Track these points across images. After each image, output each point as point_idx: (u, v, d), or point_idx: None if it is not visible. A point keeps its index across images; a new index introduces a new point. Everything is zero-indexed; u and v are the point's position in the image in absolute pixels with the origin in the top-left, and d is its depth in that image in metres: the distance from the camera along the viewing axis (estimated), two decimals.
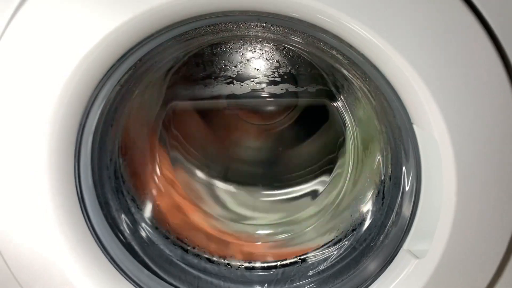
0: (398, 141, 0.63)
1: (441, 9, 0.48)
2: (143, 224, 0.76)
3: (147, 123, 0.86)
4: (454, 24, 0.48)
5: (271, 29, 0.68)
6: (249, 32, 0.71)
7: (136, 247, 0.70)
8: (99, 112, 0.61)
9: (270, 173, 1.01)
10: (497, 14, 0.49)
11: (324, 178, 0.98)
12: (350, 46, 0.52)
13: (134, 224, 0.74)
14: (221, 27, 0.65)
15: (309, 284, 0.72)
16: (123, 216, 0.72)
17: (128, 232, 0.71)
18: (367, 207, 0.78)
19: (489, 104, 0.50)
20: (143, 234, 0.75)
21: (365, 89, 0.70)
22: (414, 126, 0.54)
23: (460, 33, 0.48)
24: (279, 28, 0.65)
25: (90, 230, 0.62)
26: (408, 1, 0.48)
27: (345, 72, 0.74)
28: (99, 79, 0.55)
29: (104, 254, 0.63)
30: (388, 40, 0.48)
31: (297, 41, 0.72)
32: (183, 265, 0.75)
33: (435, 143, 0.51)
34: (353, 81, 0.75)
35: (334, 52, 0.64)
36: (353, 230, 0.77)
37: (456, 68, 0.49)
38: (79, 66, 0.52)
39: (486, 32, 0.48)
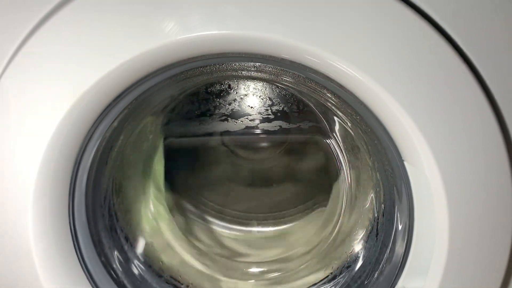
0: (390, 178, 0.63)
1: (430, 50, 0.49)
2: (136, 262, 0.75)
3: (142, 160, 0.87)
4: (443, 64, 0.49)
5: (264, 69, 0.69)
6: (243, 72, 0.73)
7: (129, 285, 0.69)
8: (94, 150, 0.61)
9: (264, 210, 1.01)
10: (483, 57, 0.50)
11: (317, 215, 0.97)
12: (340, 86, 0.53)
13: (127, 262, 0.73)
14: (216, 68, 0.66)
15: None
16: (116, 253, 0.71)
17: (121, 270, 0.70)
18: (361, 243, 0.77)
19: (479, 141, 0.50)
20: (136, 272, 0.74)
21: (357, 127, 0.71)
22: (405, 163, 0.55)
23: (448, 73, 0.49)
24: (271, 68, 0.67)
25: (83, 268, 0.61)
26: (396, 41, 0.49)
27: (336, 110, 0.75)
28: (95, 118, 0.56)
29: None
30: (377, 79, 0.49)
31: (289, 80, 0.74)
32: None
33: (426, 180, 0.51)
34: (345, 119, 0.76)
35: (324, 91, 0.65)
36: (347, 267, 0.76)
37: (445, 106, 0.49)
38: (76, 105, 0.52)
39: (473, 73, 0.50)
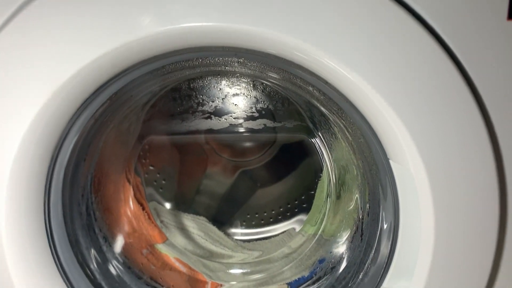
0: (376, 176, 0.63)
1: (417, 48, 0.49)
2: (115, 263, 0.74)
3: (122, 157, 0.85)
4: (430, 62, 0.49)
5: (248, 64, 0.68)
6: (226, 67, 0.72)
7: (106, 287, 0.67)
8: (71, 146, 0.60)
9: (247, 211, 1.00)
10: (471, 55, 0.50)
11: (302, 216, 0.97)
12: (326, 83, 0.52)
13: (105, 263, 0.71)
14: (198, 62, 0.65)
15: None
16: (93, 254, 0.69)
17: (98, 270, 0.68)
18: (345, 244, 0.76)
19: (465, 139, 0.50)
20: (114, 273, 0.72)
21: (342, 125, 0.71)
22: (391, 162, 0.54)
23: (435, 71, 0.49)
24: (256, 63, 0.66)
25: (58, 268, 0.60)
26: (382, 38, 0.49)
27: (321, 108, 0.74)
28: (72, 113, 0.55)
29: None
30: (363, 76, 0.49)
31: (274, 76, 0.73)
32: None
33: (412, 178, 0.51)
34: (330, 117, 0.76)
35: (310, 88, 0.65)
36: (332, 268, 0.75)
37: (431, 103, 0.49)
38: (52, 99, 0.51)
39: (460, 71, 0.49)
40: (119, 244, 0.78)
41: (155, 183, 0.95)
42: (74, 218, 0.65)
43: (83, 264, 0.65)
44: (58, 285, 0.59)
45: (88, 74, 0.51)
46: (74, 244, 0.64)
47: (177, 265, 0.85)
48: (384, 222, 0.62)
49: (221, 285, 0.85)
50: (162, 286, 0.77)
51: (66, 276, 0.60)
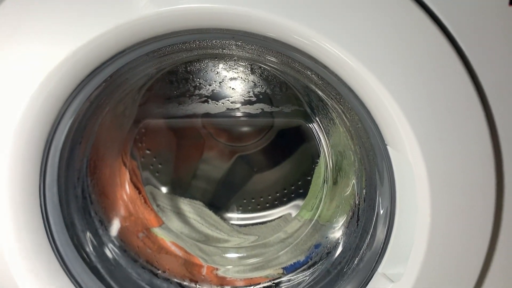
0: (373, 163, 0.63)
1: (420, 35, 0.48)
2: (111, 246, 0.74)
3: (118, 141, 0.84)
4: (428, 46, 0.48)
5: (246, 48, 0.67)
6: (224, 50, 0.71)
7: (102, 270, 0.67)
8: (67, 128, 0.59)
9: (243, 196, 1.00)
10: (468, 38, 0.50)
11: (298, 201, 0.97)
12: (325, 67, 0.52)
13: (101, 246, 0.71)
14: (195, 45, 0.64)
15: None
16: (89, 237, 0.69)
17: (94, 254, 0.68)
18: (341, 229, 0.77)
19: (464, 127, 0.50)
20: (110, 256, 0.72)
21: (340, 110, 0.70)
22: (389, 148, 0.54)
23: (434, 56, 0.48)
24: (254, 47, 0.65)
25: (54, 251, 0.60)
26: (383, 23, 0.48)
27: (319, 92, 0.73)
28: (68, 95, 0.54)
29: (69, 277, 0.61)
30: (363, 61, 0.48)
31: (272, 60, 0.72)
32: None
33: (409, 166, 0.51)
34: (328, 102, 0.75)
35: (308, 73, 0.64)
36: (327, 254, 0.75)
37: (430, 91, 0.49)
38: (46, 81, 0.51)
39: (462, 60, 0.49)
40: (115, 227, 0.78)
41: (151, 167, 0.95)
42: (69, 201, 0.65)
43: (78, 247, 0.65)
44: (54, 267, 0.59)
45: (83, 56, 0.50)
46: (69, 227, 0.64)
47: (173, 249, 0.85)
48: (381, 208, 0.62)
49: (216, 269, 0.85)
50: (158, 269, 0.77)
51: (61, 258, 0.61)
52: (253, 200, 1.00)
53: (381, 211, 0.62)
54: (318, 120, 0.89)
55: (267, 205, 0.99)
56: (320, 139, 0.89)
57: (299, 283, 0.74)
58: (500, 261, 0.55)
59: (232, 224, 0.96)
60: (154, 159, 0.96)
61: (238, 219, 0.98)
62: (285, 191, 0.99)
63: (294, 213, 0.95)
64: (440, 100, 0.49)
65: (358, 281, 0.62)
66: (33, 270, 0.57)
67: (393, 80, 0.49)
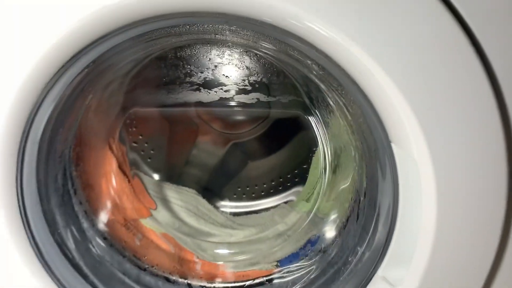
0: (374, 159, 0.61)
1: (426, 23, 0.46)
2: (96, 241, 0.72)
3: (104, 128, 0.82)
4: (440, 39, 0.46)
5: (240, 33, 0.65)
6: (217, 36, 0.68)
7: (85, 268, 0.65)
8: (46, 118, 0.56)
9: (237, 184, 0.99)
10: (484, 30, 0.47)
11: (295, 191, 0.96)
12: (327, 56, 0.49)
13: (85, 242, 0.69)
14: (186, 29, 0.62)
15: None
16: (72, 233, 0.67)
17: (77, 251, 0.66)
18: (340, 226, 0.75)
19: (474, 126, 0.48)
20: (95, 252, 0.70)
21: (341, 103, 0.68)
22: (393, 145, 0.52)
23: (445, 44, 0.46)
24: (250, 33, 0.62)
25: (34, 249, 0.58)
26: (392, 14, 0.46)
27: (319, 83, 0.71)
28: (46, 82, 0.51)
29: (50, 276, 0.59)
30: (369, 53, 0.46)
31: (269, 48, 0.70)
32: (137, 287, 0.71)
33: (415, 164, 0.49)
34: (328, 94, 0.73)
35: (308, 62, 0.62)
36: (324, 252, 0.74)
37: (440, 86, 0.47)
38: (23, 66, 0.48)
39: (475, 50, 0.46)
40: (101, 220, 0.76)
41: (142, 153, 0.93)
42: (50, 196, 0.63)
43: (60, 243, 0.63)
44: (34, 266, 0.57)
45: (67, 38, 0.48)
46: (51, 223, 0.62)
47: (163, 241, 0.84)
48: (382, 207, 0.60)
49: (207, 262, 0.83)
50: (147, 265, 0.76)
51: (42, 256, 0.58)
52: (247, 189, 0.99)
53: (382, 210, 0.60)
54: (317, 112, 0.87)
55: (262, 193, 0.98)
56: (319, 131, 0.88)
57: (294, 282, 0.72)
58: (509, 267, 0.53)
59: (224, 212, 0.95)
60: (146, 145, 0.94)
61: (232, 207, 0.98)
62: (281, 180, 0.98)
63: (290, 203, 0.95)
64: (452, 96, 0.47)
65: (356, 284, 0.61)
66: (13, 271, 0.56)
67: (401, 74, 0.47)
